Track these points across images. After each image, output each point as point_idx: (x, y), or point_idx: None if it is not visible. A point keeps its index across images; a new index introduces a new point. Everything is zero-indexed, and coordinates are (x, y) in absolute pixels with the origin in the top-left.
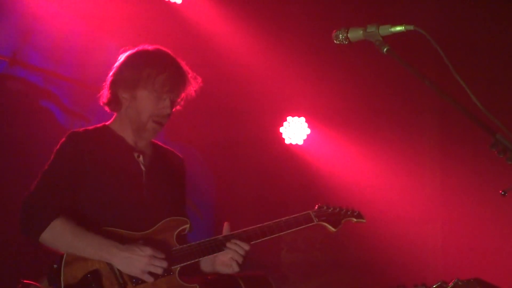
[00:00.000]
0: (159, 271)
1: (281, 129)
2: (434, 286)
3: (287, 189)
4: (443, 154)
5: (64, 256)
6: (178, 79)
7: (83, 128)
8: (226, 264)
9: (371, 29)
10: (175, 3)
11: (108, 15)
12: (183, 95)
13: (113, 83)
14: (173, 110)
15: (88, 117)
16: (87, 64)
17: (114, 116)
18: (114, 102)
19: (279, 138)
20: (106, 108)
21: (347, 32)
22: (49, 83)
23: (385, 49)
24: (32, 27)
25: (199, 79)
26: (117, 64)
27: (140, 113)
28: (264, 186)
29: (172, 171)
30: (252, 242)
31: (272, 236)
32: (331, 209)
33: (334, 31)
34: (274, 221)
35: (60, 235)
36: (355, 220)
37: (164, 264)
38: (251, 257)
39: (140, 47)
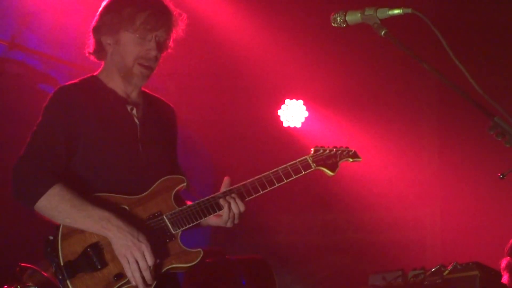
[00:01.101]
0: (133, 266)
1: (279, 112)
2: (433, 270)
3: None
4: (441, 136)
5: (60, 228)
6: (161, 16)
7: (70, 82)
8: (219, 217)
9: (369, 12)
10: None
11: None
12: (170, 34)
13: (95, 30)
14: (163, 53)
15: None
16: (85, 48)
17: (101, 65)
18: (99, 50)
19: (277, 121)
20: (93, 58)
21: (345, 15)
22: (47, 66)
23: (383, 32)
24: (30, 11)
25: (185, 16)
26: (98, 11)
27: (124, 58)
28: (262, 169)
29: (165, 122)
30: (253, 196)
31: (272, 188)
32: (327, 151)
33: (332, 14)
34: (271, 171)
35: (57, 204)
36: (351, 160)
37: (145, 266)
38: (248, 241)
39: None
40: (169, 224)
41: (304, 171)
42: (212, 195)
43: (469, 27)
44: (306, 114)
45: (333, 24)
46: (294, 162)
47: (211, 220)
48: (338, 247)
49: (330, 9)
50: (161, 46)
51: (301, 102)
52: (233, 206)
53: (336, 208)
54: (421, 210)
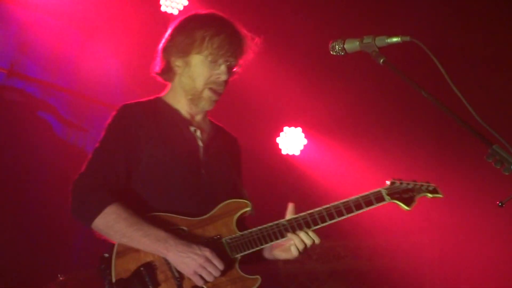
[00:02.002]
0: (210, 278)
1: (278, 140)
2: None
3: (284, 199)
4: (440, 164)
5: (116, 246)
6: (235, 41)
7: (135, 101)
8: (286, 249)
9: (367, 40)
10: (171, 14)
11: (105, 27)
12: (241, 60)
13: (165, 51)
14: (231, 78)
15: (85, 128)
16: (84, 75)
17: (167, 87)
18: (167, 71)
19: (276, 148)
20: (159, 79)
21: (344, 43)
22: (46, 94)
23: (381, 60)
24: (29, 39)
25: (259, 42)
26: (168, 31)
27: (194, 80)
28: (260, 196)
29: (229, 149)
30: (319, 226)
31: (340, 219)
32: (404, 184)
33: (330, 42)
34: (341, 201)
35: (114, 223)
36: (430, 195)
37: (217, 272)
38: (247, 268)
39: (192, 12)
40: (227, 248)
41: (377, 203)
42: (276, 222)
43: (467, 55)
44: (305, 141)
45: (331, 52)
46: (366, 194)
47: (276, 251)
48: (337, 275)
49: (328, 37)
50: (231, 71)
51: (299, 129)
52: (303, 237)
53: (334, 235)
54: (420, 238)
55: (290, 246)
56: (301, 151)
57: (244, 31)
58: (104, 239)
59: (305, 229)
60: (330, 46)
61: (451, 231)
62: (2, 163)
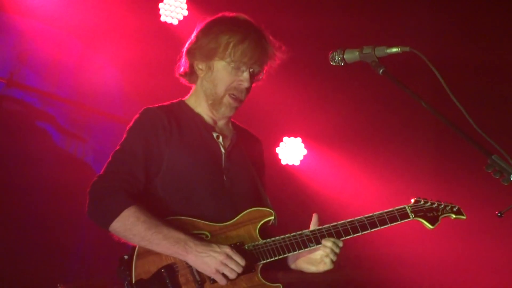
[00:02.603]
0: (232, 275)
1: (278, 150)
2: None
3: (283, 210)
4: (439, 174)
5: (137, 247)
6: (259, 48)
7: (158, 104)
8: (312, 262)
9: (367, 50)
10: (171, 24)
11: (104, 37)
12: (265, 67)
13: (189, 53)
14: (253, 85)
15: (84, 138)
16: (83, 85)
17: (191, 90)
18: (190, 73)
19: (276, 158)
20: (183, 80)
21: (343, 54)
22: (45, 104)
23: (381, 71)
24: (28, 48)
25: (284, 49)
26: (194, 32)
27: (216, 86)
28: None
29: (252, 155)
30: (342, 239)
31: (364, 233)
32: (429, 203)
33: (330, 52)
34: (365, 215)
35: (132, 226)
36: (454, 216)
37: (239, 268)
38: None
39: (219, 14)
40: (249, 255)
41: (401, 220)
42: (299, 232)
43: (466, 65)
44: (305, 152)
45: (331, 63)
46: (391, 210)
47: (301, 265)
48: (337, 284)
49: (328, 47)
50: (253, 78)
51: (299, 139)
52: (333, 245)
53: None
54: (421, 248)
55: (323, 259)
56: (301, 161)
57: (270, 38)
58: (123, 242)
59: (334, 239)
60: (329, 56)
61: (452, 241)
62: (1, 173)
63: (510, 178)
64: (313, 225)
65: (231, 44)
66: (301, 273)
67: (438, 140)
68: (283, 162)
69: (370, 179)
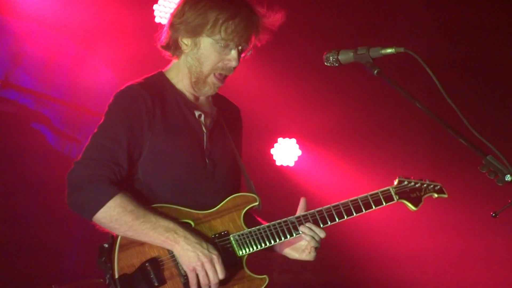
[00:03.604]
0: (205, 281)
1: (272, 151)
2: None
3: (278, 210)
4: (434, 174)
5: (119, 238)
6: (250, 25)
7: (138, 81)
8: (297, 249)
9: (361, 51)
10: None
11: (99, 38)
12: (253, 43)
13: (173, 26)
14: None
15: (79, 139)
16: (78, 87)
17: (171, 63)
18: (174, 47)
19: (270, 159)
20: (166, 53)
21: (338, 54)
22: (40, 105)
23: (375, 71)
24: (23, 50)
25: (278, 18)
26: (178, 2)
27: (201, 64)
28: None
29: (232, 128)
30: (328, 224)
31: (349, 218)
32: (412, 183)
33: (324, 53)
34: (350, 199)
35: (119, 216)
36: (436, 195)
37: (215, 279)
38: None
39: None
40: (235, 246)
41: (386, 203)
42: (284, 219)
43: (461, 65)
44: (299, 153)
45: (325, 63)
46: (375, 192)
47: (285, 250)
48: (332, 285)
49: (323, 48)
50: (241, 55)
51: (294, 140)
52: (312, 233)
53: (329, 244)
54: (415, 247)
55: (303, 247)
56: (296, 162)
57: (261, 11)
58: (106, 232)
59: (314, 226)
60: (324, 57)
61: (449, 241)
62: None
63: (504, 179)
64: (300, 210)
65: (220, 21)
66: (295, 274)
67: (433, 140)
68: (278, 163)
69: (365, 180)
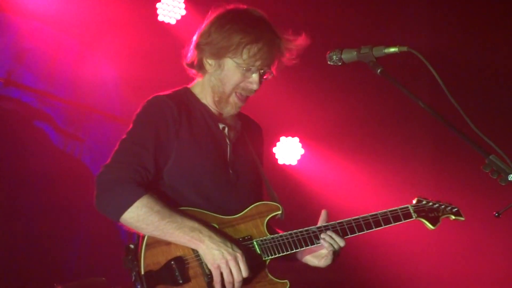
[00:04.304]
0: (229, 278)
1: (275, 149)
2: None
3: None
4: (437, 174)
5: (146, 237)
6: (272, 51)
7: (165, 93)
8: (317, 256)
9: (365, 50)
10: (169, 23)
11: (102, 36)
12: (275, 67)
13: (199, 47)
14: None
15: (82, 137)
16: (80, 85)
17: (195, 80)
18: (198, 66)
19: (273, 158)
20: (189, 70)
21: (341, 53)
22: (43, 103)
23: (379, 70)
24: (26, 48)
25: (302, 42)
26: (205, 23)
27: (224, 85)
28: None
29: (255, 144)
30: (348, 236)
31: (368, 231)
32: (430, 203)
33: (328, 52)
34: (370, 214)
35: (146, 216)
36: (453, 217)
37: (239, 277)
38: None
39: (232, 7)
40: (258, 250)
41: (404, 220)
42: (306, 228)
43: (464, 65)
44: (302, 151)
45: (329, 62)
46: (395, 209)
47: (306, 257)
48: (335, 285)
49: (326, 47)
50: (263, 79)
51: (297, 139)
52: (332, 241)
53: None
54: (419, 248)
55: (323, 254)
56: (298, 161)
57: (285, 36)
58: (133, 232)
59: (336, 235)
60: (327, 56)
61: (451, 241)
62: None
63: (507, 178)
64: (321, 222)
65: (243, 44)
66: (298, 271)
67: (436, 139)
68: (280, 162)
69: (368, 179)
